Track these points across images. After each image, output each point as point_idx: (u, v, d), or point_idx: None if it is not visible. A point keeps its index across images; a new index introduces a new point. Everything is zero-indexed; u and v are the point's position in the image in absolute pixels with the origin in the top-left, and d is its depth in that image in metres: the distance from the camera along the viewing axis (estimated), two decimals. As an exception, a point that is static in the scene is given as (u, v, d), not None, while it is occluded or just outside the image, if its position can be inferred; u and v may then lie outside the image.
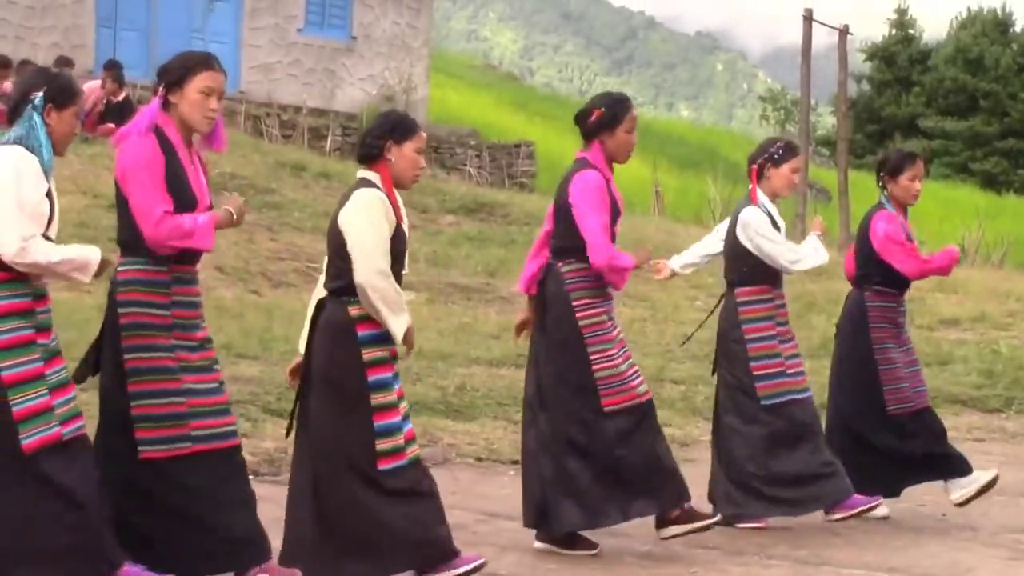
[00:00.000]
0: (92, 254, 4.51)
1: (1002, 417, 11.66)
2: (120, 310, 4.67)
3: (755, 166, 6.83)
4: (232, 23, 23.59)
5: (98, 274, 4.55)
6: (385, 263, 4.97)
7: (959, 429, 11.11)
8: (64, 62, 17.17)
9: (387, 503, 5.02)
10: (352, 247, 4.97)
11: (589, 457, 5.92)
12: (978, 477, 7.20)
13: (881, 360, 7.12)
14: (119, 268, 4.70)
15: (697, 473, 7.08)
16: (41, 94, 4.47)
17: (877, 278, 7.18)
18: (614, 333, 5.97)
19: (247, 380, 8.72)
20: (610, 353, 5.91)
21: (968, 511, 7.61)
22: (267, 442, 7.71)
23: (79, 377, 4.83)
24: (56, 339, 4.57)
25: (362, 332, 4.99)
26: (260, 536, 4.89)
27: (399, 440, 5.05)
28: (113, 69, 19.12)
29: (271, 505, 6.44)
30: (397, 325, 4.98)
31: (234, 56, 22.91)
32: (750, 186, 6.85)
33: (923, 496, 7.66)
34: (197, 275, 4.89)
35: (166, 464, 4.69)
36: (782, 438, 6.69)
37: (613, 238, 5.98)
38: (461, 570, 5.11)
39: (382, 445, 5.01)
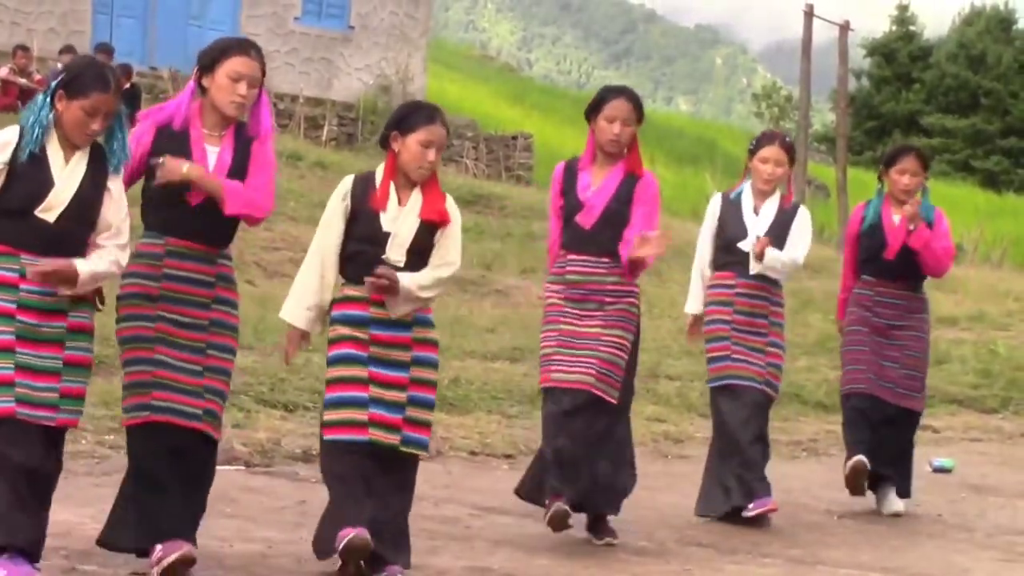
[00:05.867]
0: None
1: (999, 417, 11.64)
2: (120, 281, 4.76)
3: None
4: (230, 11, 23.52)
5: None
6: (315, 249, 5.17)
7: (955, 429, 11.08)
8: (68, 50, 17.15)
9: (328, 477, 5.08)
10: None
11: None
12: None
13: (846, 341, 7.25)
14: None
15: (690, 469, 7.03)
16: (58, 79, 4.44)
17: (860, 265, 7.31)
18: (559, 319, 6.01)
19: (240, 370, 8.62)
20: (545, 334, 6.07)
21: (965, 512, 7.59)
22: (260, 433, 7.65)
23: None
24: (59, 328, 4.44)
25: (334, 312, 5.13)
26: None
27: (354, 415, 4.99)
28: (105, 52, 19.07)
29: (263, 496, 6.39)
30: (284, 309, 5.15)
31: (232, 44, 22.87)
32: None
33: (920, 496, 7.63)
34: (209, 254, 4.83)
35: (135, 431, 4.71)
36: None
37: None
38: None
39: (329, 416, 5.04)
